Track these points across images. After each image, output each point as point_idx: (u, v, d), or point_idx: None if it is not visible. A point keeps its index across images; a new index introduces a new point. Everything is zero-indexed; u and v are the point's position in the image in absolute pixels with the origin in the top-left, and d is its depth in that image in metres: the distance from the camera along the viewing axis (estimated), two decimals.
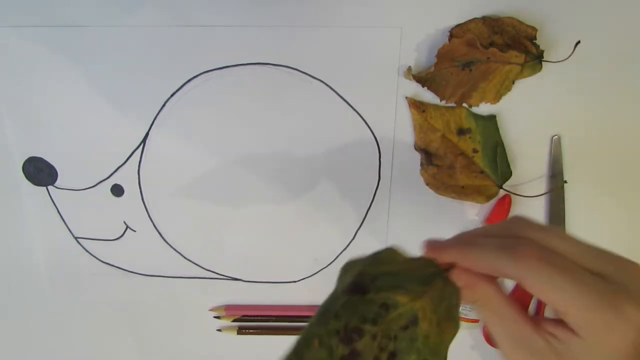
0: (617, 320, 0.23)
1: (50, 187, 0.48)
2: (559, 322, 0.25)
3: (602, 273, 0.24)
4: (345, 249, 0.50)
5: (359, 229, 0.49)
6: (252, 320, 0.53)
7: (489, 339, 0.52)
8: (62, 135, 0.46)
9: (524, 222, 0.27)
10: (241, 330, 0.53)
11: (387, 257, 0.27)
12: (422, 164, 0.46)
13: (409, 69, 0.43)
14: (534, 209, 0.48)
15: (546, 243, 0.25)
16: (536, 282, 0.24)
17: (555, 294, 0.24)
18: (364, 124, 0.45)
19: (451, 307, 0.27)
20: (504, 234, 0.27)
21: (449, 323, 0.26)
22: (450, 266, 0.27)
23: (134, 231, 0.49)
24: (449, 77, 0.42)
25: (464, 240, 0.27)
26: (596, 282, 0.24)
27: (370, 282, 0.25)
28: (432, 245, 0.28)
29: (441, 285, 0.27)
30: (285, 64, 0.43)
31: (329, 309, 0.25)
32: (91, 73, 0.44)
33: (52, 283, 0.52)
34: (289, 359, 0.24)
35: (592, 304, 0.23)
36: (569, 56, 0.42)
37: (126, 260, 0.51)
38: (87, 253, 0.50)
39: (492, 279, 0.27)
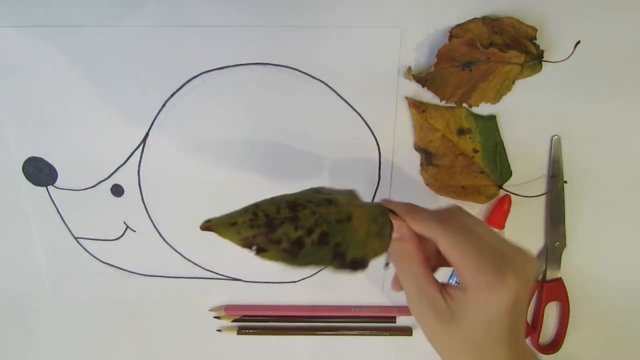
0: (497, 282, 0.29)
1: (50, 187, 0.48)
2: (456, 287, 0.32)
3: (500, 251, 0.31)
4: None
5: None
6: (252, 320, 0.53)
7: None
8: (62, 135, 0.46)
9: (458, 208, 0.35)
10: (241, 330, 0.53)
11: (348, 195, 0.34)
12: (422, 164, 0.46)
13: (409, 69, 0.42)
14: (534, 209, 0.48)
15: (467, 223, 0.33)
16: (449, 243, 0.31)
17: (459, 254, 0.31)
18: (364, 124, 0.45)
19: (382, 232, 0.33)
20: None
21: (376, 239, 0.33)
22: (393, 211, 0.34)
23: (134, 231, 0.49)
24: (449, 77, 0.42)
25: (412, 205, 0.35)
26: (491, 253, 0.30)
27: (326, 192, 0.33)
28: (389, 201, 0.36)
29: (378, 213, 0.33)
30: (285, 64, 0.43)
31: (291, 193, 0.32)
32: (91, 73, 0.44)
33: (52, 283, 0.52)
34: (251, 206, 0.31)
35: (482, 267, 0.30)
36: (569, 56, 0.42)
37: (126, 260, 0.51)
38: (87, 253, 0.50)
39: (418, 242, 0.34)
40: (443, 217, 0.33)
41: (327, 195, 0.33)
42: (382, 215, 0.34)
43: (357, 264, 0.32)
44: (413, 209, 0.34)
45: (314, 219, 0.31)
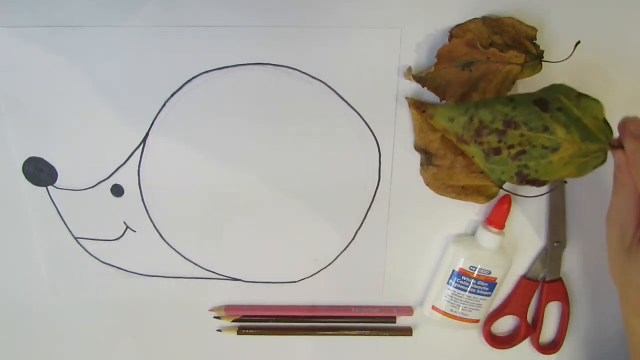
0: None
1: (50, 187, 0.48)
2: None
3: None
4: (345, 249, 0.50)
5: (359, 229, 0.49)
6: (252, 320, 0.53)
7: (489, 339, 0.52)
8: (62, 135, 0.46)
9: None
10: (241, 330, 0.53)
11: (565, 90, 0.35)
12: (422, 164, 0.46)
13: (409, 69, 0.42)
14: (535, 209, 0.48)
15: None
16: None
17: None
18: (364, 124, 0.45)
19: (586, 165, 0.35)
20: None
21: (574, 169, 0.35)
22: (618, 145, 0.35)
23: (134, 231, 0.49)
24: (449, 78, 0.42)
25: None
26: None
27: (552, 108, 0.34)
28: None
29: (594, 150, 0.35)
30: (285, 64, 0.43)
31: (515, 100, 0.35)
32: (91, 73, 0.44)
33: (52, 283, 0.52)
34: (470, 107, 0.35)
35: None
36: (569, 56, 0.41)
37: (126, 260, 0.51)
38: (87, 253, 0.50)
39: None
40: None
41: (547, 118, 0.34)
42: (599, 152, 0.35)
43: (536, 183, 0.36)
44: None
45: (519, 140, 0.34)
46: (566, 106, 0.34)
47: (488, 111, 0.35)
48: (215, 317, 0.53)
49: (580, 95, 0.35)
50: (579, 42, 0.41)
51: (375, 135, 0.46)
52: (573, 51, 0.41)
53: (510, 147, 0.35)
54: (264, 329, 0.53)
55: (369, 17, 0.42)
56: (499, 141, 0.35)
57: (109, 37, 0.43)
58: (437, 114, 0.37)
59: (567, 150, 0.34)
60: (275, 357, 0.55)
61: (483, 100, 0.36)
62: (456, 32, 0.41)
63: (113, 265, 0.51)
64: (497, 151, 0.35)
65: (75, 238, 0.50)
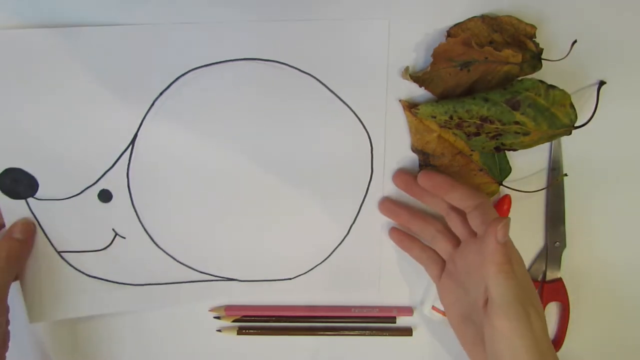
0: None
1: (30, 200, 0.46)
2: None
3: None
4: (339, 244, 0.49)
5: (352, 224, 0.48)
6: (252, 320, 0.53)
7: None
8: (43, 141, 0.44)
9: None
10: (241, 331, 0.53)
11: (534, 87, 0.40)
12: (420, 165, 0.45)
13: (407, 68, 0.42)
14: (534, 207, 0.48)
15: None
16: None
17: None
18: (355, 117, 0.45)
19: (556, 135, 0.41)
20: None
21: (544, 140, 0.42)
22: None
23: (124, 238, 0.48)
24: (447, 78, 0.41)
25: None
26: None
27: (523, 105, 0.39)
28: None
29: (561, 131, 0.41)
30: (274, 59, 0.43)
31: (489, 100, 0.40)
32: (74, 73, 0.42)
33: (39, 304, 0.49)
34: (449, 107, 0.41)
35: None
36: (567, 55, 0.41)
37: (116, 271, 0.49)
38: (72, 267, 0.48)
39: None
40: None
41: (521, 117, 0.40)
42: (565, 131, 0.41)
43: (512, 150, 0.42)
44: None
45: (495, 130, 0.41)
46: (536, 102, 0.39)
47: (465, 111, 0.40)
48: (215, 317, 0.53)
49: (550, 87, 0.39)
50: (575, 41, 0.41)
51: (367, 128, 0.45)
52: (570, 50, 0.41)
53: (488, 133, 0.41)
54: (264, 329, 0.53)
55: (358, 10, 0.41)
56: (477, 130, 0.41)
57: (93, 37, 0.41)
58: (420, 112, 0.42)
59: (536, 134, 0.41)
60: (275, 357, 0.55)
61: (461, 100, 0.40)
62: (454, 31, 0.40)
63: (101, 279, 0.49)
64: (477, 134, 0.41)
65: (59, 252, 0.47)
